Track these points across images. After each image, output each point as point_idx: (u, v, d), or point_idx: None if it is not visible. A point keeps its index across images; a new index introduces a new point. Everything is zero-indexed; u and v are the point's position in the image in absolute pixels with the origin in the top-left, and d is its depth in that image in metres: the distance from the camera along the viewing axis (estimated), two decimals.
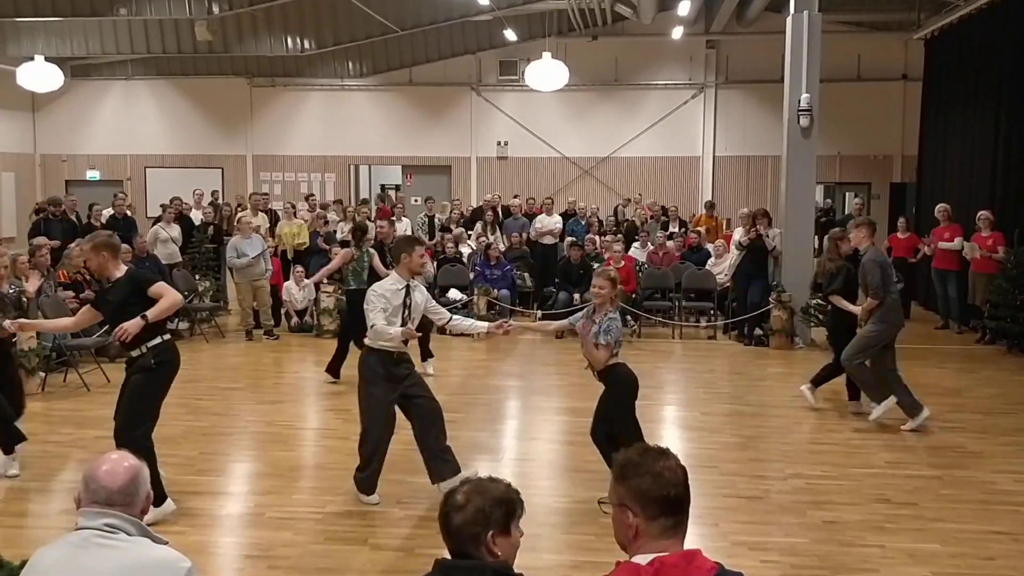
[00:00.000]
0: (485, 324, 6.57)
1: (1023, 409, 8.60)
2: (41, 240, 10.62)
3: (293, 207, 14.77)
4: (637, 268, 13.40)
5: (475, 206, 17.23)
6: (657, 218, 16.25)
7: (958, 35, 14.40)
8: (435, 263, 13.60)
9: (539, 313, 12.96)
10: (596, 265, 13.24)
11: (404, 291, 5.95)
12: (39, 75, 17.09)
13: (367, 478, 6.02)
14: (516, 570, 2.56)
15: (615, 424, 6.00)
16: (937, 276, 12.81)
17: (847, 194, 21.72)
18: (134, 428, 5.53)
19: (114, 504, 2.61)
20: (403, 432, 7.76)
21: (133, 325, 5.41)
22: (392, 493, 6.19)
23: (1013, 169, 12.42)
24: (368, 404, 6.00)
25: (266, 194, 16.02)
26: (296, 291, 12.51)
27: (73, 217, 13.80)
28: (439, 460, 6.04)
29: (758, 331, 11.90)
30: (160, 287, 5.72)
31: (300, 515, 5.83)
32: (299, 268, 12.69)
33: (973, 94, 13.78)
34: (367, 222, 12.08)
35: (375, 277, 8.82)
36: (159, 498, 5.38)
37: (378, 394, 5.95)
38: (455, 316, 6.43)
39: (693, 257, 13.81)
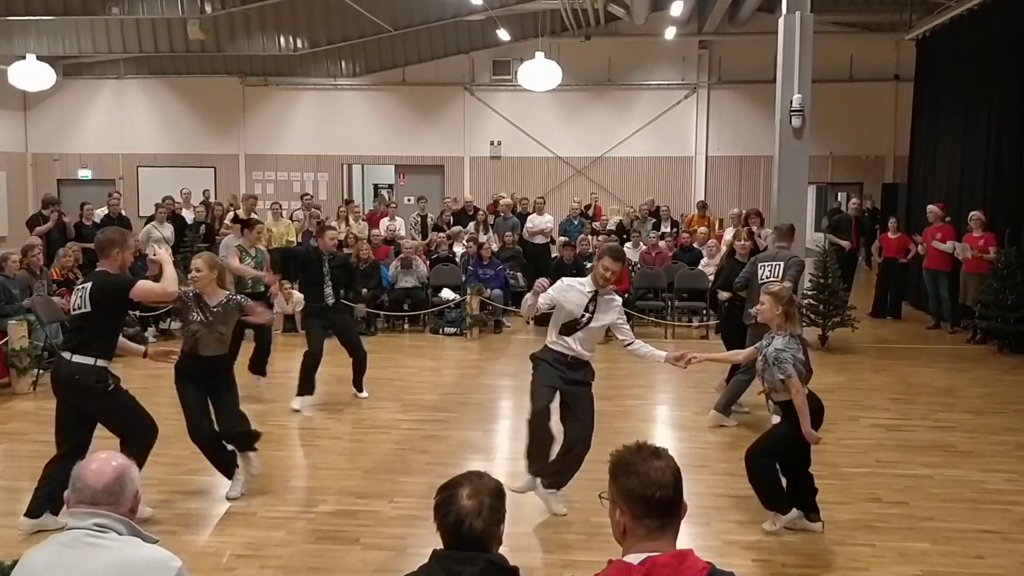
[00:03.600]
0: (663, 354, 5.95)
1: (1013, 408, 8.64)
2: (34, 240, 10.61)
3: (280, 206, 14.73)
4: (630, 268, 13.41)
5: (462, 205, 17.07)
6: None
7: (950, 36, 14.44)
8: (428, 262, 13.60)
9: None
10: (588, 264, 13.23)
11: (592, 296, 5.92)
12: (31, 74, 17.03)
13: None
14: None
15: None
16: (928, 276, 12.85)
17: (840, 194, 21.78)
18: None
19: (99, 503, 2.60)
20: (394, 432, 7.79)
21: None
22: (384, 492, 6.20)
23: (1004, 169, 12.45)
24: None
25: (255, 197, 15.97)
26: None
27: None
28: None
29: None
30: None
31: (292, 514, 5.83)
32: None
33: (965, 94, 13.81)
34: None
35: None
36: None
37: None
38: (637, 341, 6.06)
39: (685, 257, 13.82)
